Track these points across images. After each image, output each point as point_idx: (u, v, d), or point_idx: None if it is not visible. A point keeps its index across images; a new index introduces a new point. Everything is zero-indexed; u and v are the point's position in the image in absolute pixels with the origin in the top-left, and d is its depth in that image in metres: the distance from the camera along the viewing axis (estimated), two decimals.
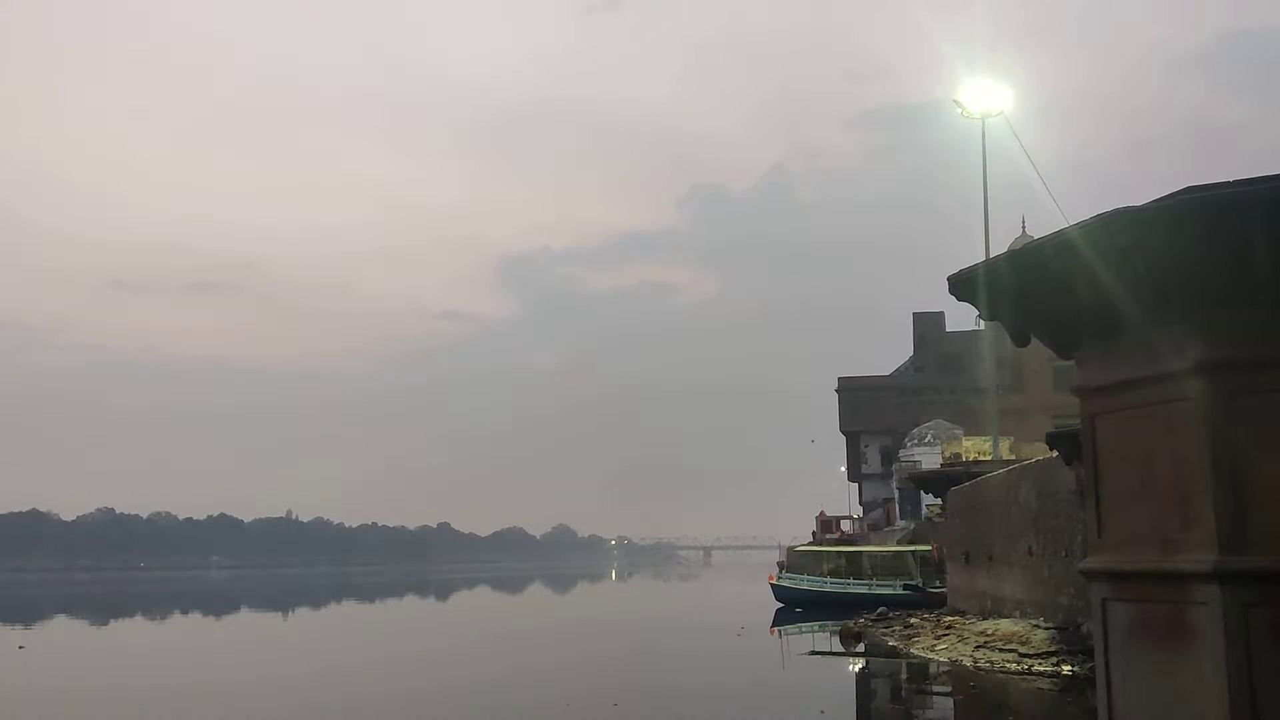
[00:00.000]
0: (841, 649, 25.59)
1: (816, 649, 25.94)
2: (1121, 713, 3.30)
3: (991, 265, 3.59)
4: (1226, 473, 2.97)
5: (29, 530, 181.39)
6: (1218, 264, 2.96)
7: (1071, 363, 3.59)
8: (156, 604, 57.66)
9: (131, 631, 40.09)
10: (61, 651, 30.25)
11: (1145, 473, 3.23)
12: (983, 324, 39.01)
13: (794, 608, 37.78)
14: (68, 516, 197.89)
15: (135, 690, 19.74)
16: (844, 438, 67.92)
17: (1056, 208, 30.77)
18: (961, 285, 3.66)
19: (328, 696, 18.17)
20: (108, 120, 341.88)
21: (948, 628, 23.44)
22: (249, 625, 43.48)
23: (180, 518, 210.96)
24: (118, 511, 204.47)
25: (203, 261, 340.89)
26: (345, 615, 49.99)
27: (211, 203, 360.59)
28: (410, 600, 62.76)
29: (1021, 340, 3.65)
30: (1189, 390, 3.06)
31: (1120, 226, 3.01)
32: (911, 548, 40.98)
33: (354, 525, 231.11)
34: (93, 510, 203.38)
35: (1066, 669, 16.99)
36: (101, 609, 53.01)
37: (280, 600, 60.76)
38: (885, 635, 25.52)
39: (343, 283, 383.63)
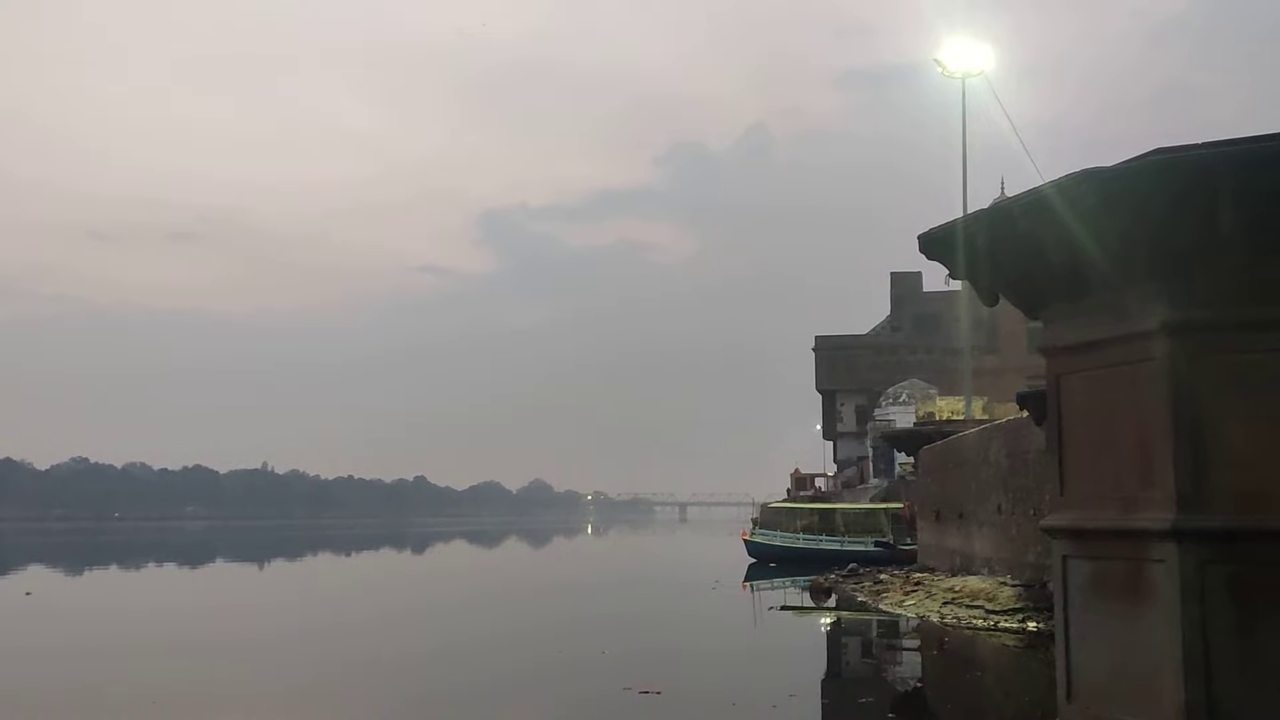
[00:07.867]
0: (811, 604, 25.85)
1: (788, 604, 26.19)
2: (1080, 667, 3.36)
3: (960, 224, 3.59)
4: (1187, 433, 3.01)
5: (2, 479, 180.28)
6: (1184, 226, 2.97)
7: None
8: (133, 554, 57.42)
9: (119, 582, 39.87)
10: (67, 600, 30.11)
11: (1108, 432, 3.26)
12: (956, 284, 39.11)
13: (767, 563, 38.09)
14: (41, 466, 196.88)
15: (158, 641, 19.35)
16: (820, 396, 68.26)
17: (1035, 170, 30.85)
18: (931, 244, 3.66)
19: (321, 651, 18.04)
20: (86, 70, 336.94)
21: (916, 584, 23.73)
22: (227, 577, 43.40)
23: (155, 468, 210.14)
24: (92, 461, 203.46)
25: (181, 213, 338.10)
26: (323, 568, 49.96)
27: (190, 154, 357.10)
28: (387, 553, 62.74)
29: (990, 299, 3.67)
30: (1153, 351, 3.08)
31: (1088, 187, 3.01)
32: (884, 505, 41.33)
33: (330, 478, 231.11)
34: (67, 460, 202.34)
35: (1032, 625, 17.26)
36: (78, 558, 52.78)
37: (256, 552, 60.67)
38: (855, 591, 25.80)
39: (321, 235, 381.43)
